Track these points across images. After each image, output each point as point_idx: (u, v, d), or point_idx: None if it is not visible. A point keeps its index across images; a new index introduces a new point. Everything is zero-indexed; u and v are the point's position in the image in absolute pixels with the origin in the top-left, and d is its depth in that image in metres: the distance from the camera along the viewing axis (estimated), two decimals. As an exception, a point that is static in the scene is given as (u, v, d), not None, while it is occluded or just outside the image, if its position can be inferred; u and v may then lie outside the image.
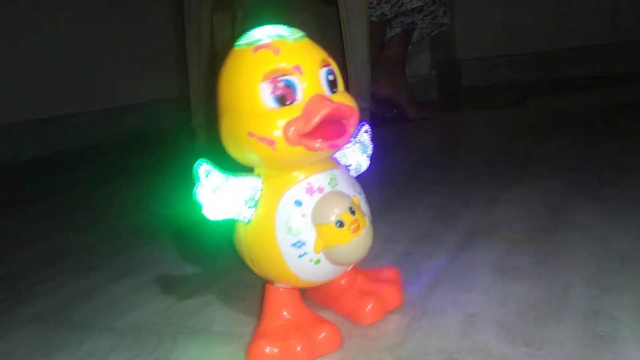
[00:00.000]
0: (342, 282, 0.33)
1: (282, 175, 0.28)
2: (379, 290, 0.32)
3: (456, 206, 0.52)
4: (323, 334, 0.29)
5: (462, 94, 1.49)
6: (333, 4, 1.03)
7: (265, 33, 0.27)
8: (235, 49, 0.28)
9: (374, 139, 0.34)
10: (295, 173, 0.28)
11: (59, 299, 0.42)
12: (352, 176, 0.32)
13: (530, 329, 0.29)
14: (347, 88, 0.98)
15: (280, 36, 0.27)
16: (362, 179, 0.33)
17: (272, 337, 0.28)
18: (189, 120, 1.22)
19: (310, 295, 0.35)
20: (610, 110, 0.97)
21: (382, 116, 1.19)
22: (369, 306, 0.31)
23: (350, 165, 0.34)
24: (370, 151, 0.34)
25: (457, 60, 1.53)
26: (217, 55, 1.39)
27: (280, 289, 0.30)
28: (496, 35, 1.45)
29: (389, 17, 1.14)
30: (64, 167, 1.11)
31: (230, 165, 0.29)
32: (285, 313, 0.30)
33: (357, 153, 0.33)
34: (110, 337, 0.34)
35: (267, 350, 0.28)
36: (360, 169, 0.34)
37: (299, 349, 0.28)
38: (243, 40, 0.28)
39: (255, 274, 0.31)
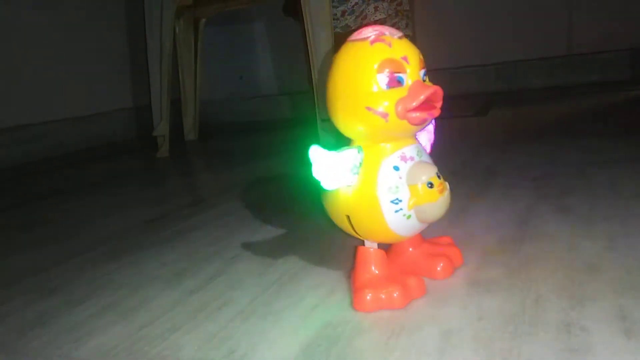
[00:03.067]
0: (410, 249, 0.39)
1: (379, 147, 0.35)
2: (445, 252, 0.39)
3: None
4: (413, 282, 0.35)
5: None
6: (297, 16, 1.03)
7: (374, 31, 0.34)
8: (350, 43, 0.35)
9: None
10: (389, 145, 0.35)
11: (16, 324, 0.40)
12: None
13: (507, 345, 0.29)
14: (313, 98, 0.95)
15: (387, 34, 0.34)
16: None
17: (372, 286, 0.35)
18: (151, 130, 1.19)
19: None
20: (568, 120, 1.00)
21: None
22: (441, 264, 0.38)
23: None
24: (432, 139, 0.41)
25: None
26: (180, 65, 1.36)
27: (371, 249, 0.37)
28: (457, 47, 1.49)
29: (353, 28, 1.15)
30: (21, 179, 1.06)
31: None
32: (374, 268, 0.36)
33: (424, 139, 0.40)
34: (71, 367, 0.32)
35: (369, 297, 0.34)
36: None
37: (396, 294, 0.34)
38: (354, 37, 0.35)
39: (349, 234, 0.38)
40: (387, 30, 0.34)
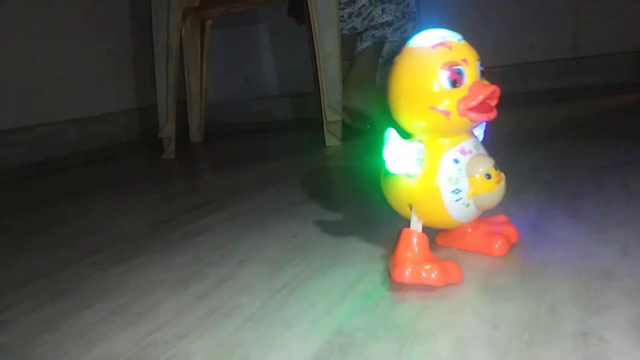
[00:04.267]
0: (469, 230, 0.42)
1: (439, 141, 0.38)
2: (502, 230, 0.42)
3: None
4: (451, 267, 0.37)
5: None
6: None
7: (436, 35, 0.37)
8: (412, 46, 0.38)
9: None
10: (448, 140, 0.38)
11: (23, 329, 0.39)
12: None
13: (523, 354, 0.28)
14: (320, 100, 0.96)
15: (448, 38, 0.36)
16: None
17: (413, 262, 0.37)
18: (156, 131, 1.19)
19: (441, 242, 0.44)
20: (576, 122, 0.99)
21: (354, 128, 1.19)
22: (498, 243, 0.41)
23: None
24: (482, 137, 0.43)
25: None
26: (186, 67, 1.36)
27: (415, 233, 0.39)
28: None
29: (359, 30, 1.14)
30: (26, 181, 1.06)
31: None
32: (416, 249, 0.39)
33: (477, 131, 0.42)
34: (79, 373, 0.32)
35: (409, 270, 0.37)
36: None
37: (435, 273, 0.37)
38: (416, 40, 0.37)
39: (405, 218, 0.41)
40: (448, 34, 0.37)
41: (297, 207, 0.64)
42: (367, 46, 1.17)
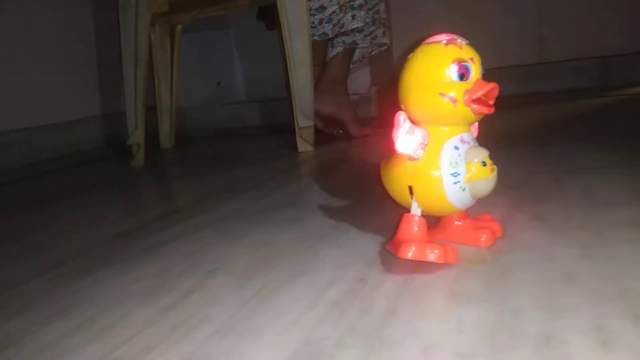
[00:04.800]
0: (457, 222, 0.46)
1: (442, 130, 0.42)
2: (488, 225, 0.46)
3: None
4: (449, 248, 0.41)
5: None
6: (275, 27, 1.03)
7: (447, 36, 0.42)
8: (426, 45, 0.42)
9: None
10: (451, 129, 0.42)
11: (-20, 348, 0.38)
12: None
13: (488, 359, 0.29)
14: (292, 105, 0.95)
15: (457, 39, 0.42)
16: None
17: (416, 242, 0.41)
18: (125, 138, 1.17)
19: (433, 236, 0.47)
20: (541, 126, 1.02)
21: (326, 134, 1.19)
22: (485, 235, 0.44)
23: None
24: (476, 134, 0.46)
25: (396, 78, 1.57)
26: (156, 72, 1.34)
27: (416, 217, 0.43)
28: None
29: (330, 36, 1.15)
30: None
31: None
32: (415, 229, 0.43)
33: (473, 130, 0.46)
34: (40, 392, 0.31)
35: (413, 248, 0.41)
36: None
37: (437, 251, 0.40)
38: (430, 40, 0.43)
39: (405, 206, 0.45)
40: (457, 37, 0.42)
41: (269, 214, 0.63)
42: (338, 52, 1.18)
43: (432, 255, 0.40)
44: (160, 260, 0.52)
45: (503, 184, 0.62)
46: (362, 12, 1.13)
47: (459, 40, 0.42)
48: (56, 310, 0.43)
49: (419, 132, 0.42)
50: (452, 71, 0.40)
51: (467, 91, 0.40)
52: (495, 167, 0.43)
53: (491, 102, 0.41)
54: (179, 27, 1.38)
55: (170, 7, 1.22)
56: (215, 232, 0.59)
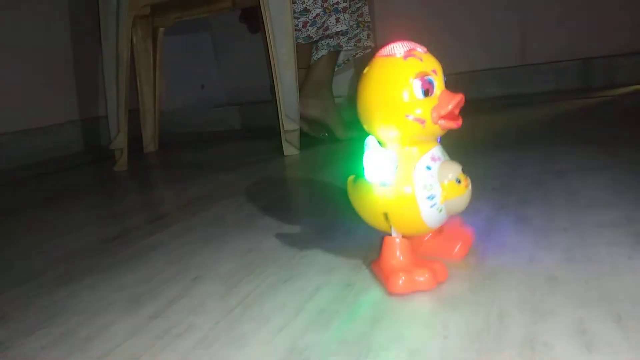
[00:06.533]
0: (428, 237, 0.44)
1: (411, 150, 0.39)
2: (459, 233, 0.44)
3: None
4: (437, 266, 0.39)
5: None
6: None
7: (403, 47, 0.38)
8: (381, 58, 0.39)
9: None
10: (419, 148, 0.39)
11: (-42, 361, 0.37)
12: None
13: (474, 363, 0.29)
14: (277, 108, 0.95)
15: (416, 49, 0.38)
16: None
17: (403, 270, 0.39)
18: (107, 142, 1.15)
19: None
20: (523, 129, 1.03)
21: (312, 137, 1.19)
22: (457, 246, 0.43)
23: None
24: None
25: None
26: (138, 75, 1.33)
27: (397, 239, 0.41)
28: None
29: (315, 39, 1.15)
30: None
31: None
32: (400, 255, 0.40)
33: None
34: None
35: (402, 279, 0.38)
36: None
37: (426, 276, 0.38)
38: (384, 52, 0.39)
39: (379, 229, 0.42)
40: (416, 46, 0.39)
41: (254, 219, 0.63)
42: (323, 55, 1.18)
43: (422, 281, 0.38)
44: (144, 268, 0.51)
45: (487, 187, 0.63)
46: (346, 15, 1.13)
47: (419, 50, 0.38)
48: (38, 319, 0.42)
49: (388, 157, 0.39)
50: (416, 88, 0.37)
51: (434, 108, 0.37)
52: (469, 181, 0.41)
53: (457, 112, 0.38)
54: (161, 29, 1.36)
55: (152, 9, 1.21)
56: (200, 238, 0.58)
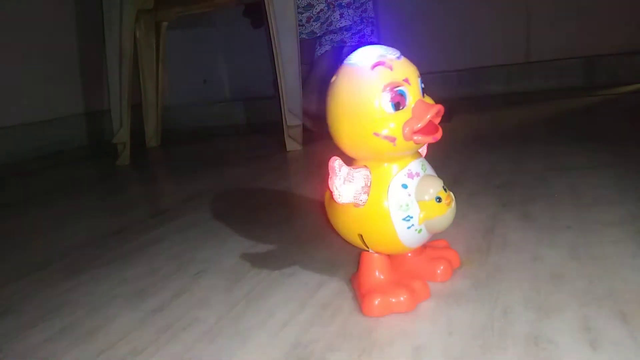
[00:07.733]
0: (409, 254, 0.40)
1: (385, 167, 0.36)
2: (443, 255, 0.40)
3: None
4: (418, 285, 0.36)
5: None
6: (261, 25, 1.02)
7: (374, 54, 0.34)
8: (350, 67, 0.34)
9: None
10: (395, 164, 0.36)
11: (-38, 353, 0.37)
12: None
13: (478, 360, 0.29)
14: (279, 105, 0.95)
15: (387, 56, 0.34)
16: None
17: (380, 291, 0.36)
18: (110, 136, 1.15)
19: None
20: (527, 126, 1.03)
21: (315, 132, 1.19)
22: (441, 268, 0.39)
23: None
24: (424, 152, 0.40)
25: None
26: (141, 70, 1.33)
27: (375, 255, 0.38)
28: (420, 53, 1.51)
29: (318, 35, 1.15)
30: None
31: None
32: (378, 273, 0.38)
33: (422, 149, 0.40)
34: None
35: (377, 301, 0.35)
36: None
37: (403, 298, 0.35)
38: (354, 60, 0.34)
39: (358, 247, 0.38)
40: (386, 52, 0.34)
41: (257, 214, 0.63)
42: (326, 50, 1.17)
43: (400, 302, 0.35)
44: (148, 262, 0.51)
45: (491, 184, 0.63)
46: (350, 11, 1.13)
47: (389, 56, 0.34)
48: (41, 312, 0.42)
49: (358, 177, 0.35)
50: (384, 101, 0.33)
51: (406, 123, 0.33)
52: (452, 196, 0.37)
53: (437, 121, 0.34)
54: (165, 24, 1.36)
55: (156, 3, 1.21)
56: (203, 232, 0.58)
